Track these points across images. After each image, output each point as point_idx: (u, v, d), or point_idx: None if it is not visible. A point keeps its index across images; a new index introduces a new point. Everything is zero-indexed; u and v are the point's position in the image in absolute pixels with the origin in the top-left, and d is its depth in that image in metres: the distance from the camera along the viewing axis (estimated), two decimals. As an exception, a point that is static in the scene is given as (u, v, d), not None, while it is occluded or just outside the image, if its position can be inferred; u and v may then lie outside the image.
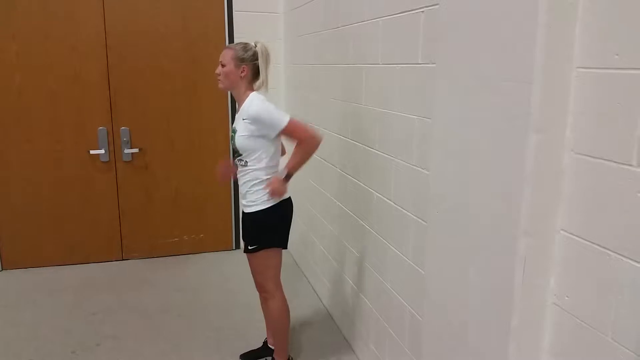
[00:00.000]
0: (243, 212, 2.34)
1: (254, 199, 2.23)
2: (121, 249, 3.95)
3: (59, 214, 3.75)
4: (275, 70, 3.88)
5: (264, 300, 2.43)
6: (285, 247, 2.35)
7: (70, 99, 3.61)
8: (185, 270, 3.79)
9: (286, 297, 2.43)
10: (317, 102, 3.14)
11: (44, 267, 3.79)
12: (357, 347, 2.70)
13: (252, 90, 2.23)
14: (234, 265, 3.85)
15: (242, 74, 2.19)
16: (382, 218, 2.27)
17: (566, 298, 1.27)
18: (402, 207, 2.07)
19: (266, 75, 2.23)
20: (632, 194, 1.08)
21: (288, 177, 2.20)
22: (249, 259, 2.35)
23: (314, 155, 3.21)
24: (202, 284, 3.56)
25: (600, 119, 1.14)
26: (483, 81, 1.36)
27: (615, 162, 1.11)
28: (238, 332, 2.91)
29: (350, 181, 2.63)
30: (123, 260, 3.96)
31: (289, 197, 2.32)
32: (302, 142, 2.16)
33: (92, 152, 3.70)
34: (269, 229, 2.27)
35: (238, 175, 2.30)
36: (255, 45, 2.22)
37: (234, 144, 2.23)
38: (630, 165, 1.08)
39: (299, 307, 3.16)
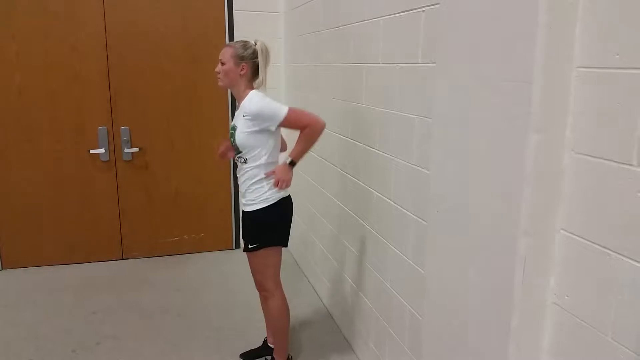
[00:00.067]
0: (243, 211, 2.34)
1: (254, 197, 2.23)
2: (121, 249, 3.95)
3: (59, 213, 3.75)
4: (276, 70, 3.88)
5: (264, 300, 2.43)
6: (286, 246, 2.35)
7: (71, 98, 3.61)
8: (185, 270, 3.79)
9: (286, 296, 2.43)
10: (317, 101, 3.14)
11: (44, 267, 3.79)
12: (357, 347, 2.70)
13: (252, 88, 2.23)
14: (234, 264, 3.85)
15: (242, 72, 2.19)
16: (382, 217, 2.27)
17: (566, 298, 1.27)
18: (402, 207, 2.07)
19: (265, 74, 2.23)
20: (632, 193, 1.08)
21: (292, 164, 2.21)
22: (248, 258, 2.35)
23: (314, 155, 3.23)
24: (202, 283, 3.56)
25: (601, 119, 1.14)
26: (483, 81, 1.36)
27: (615, 161, 1.11)
28: (238, 332, 2.91)
29: (351, 181, 2.63)
30: (123, 259, 3.96)
31: (289, 196, 2.32)
32: (305, 126, 2.17)
33: (92, 151, 3.70)
34: (268, 228, 2.27)
35: (238, 174, 2.30)
36: (255, 43, 2.22)
37: (233, 141, 2.23)
38: (631, 165, 1.08)
39: (299, 307, 3.16)
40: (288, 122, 2.16)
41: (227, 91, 3.84)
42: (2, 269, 3.75)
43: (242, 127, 2.16)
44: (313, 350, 2.74)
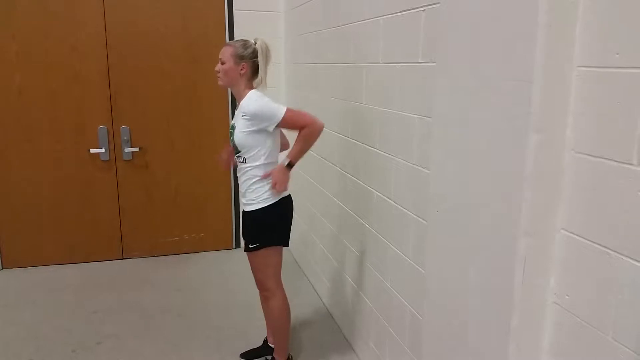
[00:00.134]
0: (243, 210, 2.34)
1: (254, 197, 2.22)
2: (121, 248, 3.95)
3: (59, 212, 3.75)
4: (276, 69, 3.87)
5: (265, 299, 2.42)
6: (286, 245, 2.34)
7: (71, 98, 3.61)
8: (185, 270, 3.79)
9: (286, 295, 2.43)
10: (317, 101, 3.13)
11: (44, 266, 3.80)
12: (357, 346, 2.70)
13: (252, 87, 2.23)
14: (234, 264, 3.85)
15: (242, 72, 2.19)
16: (383, 217, 2.26)
17: (566, 297, 1.27)
18: (402, 207, 2.07)
19: (265, 73, 2.23)
20: (633, 193, 1.07)
21: (290, 165, 2.20)
22: (249, 258, 2.35)
23: (314, 155, 3.23)
24: (203, 283, 3.56)
25: (601, 118, 1.14)
26: (483, 80, 1.36)
27: (615, 161, 1.11)
28: (238, 331, 2.91)
29: (351, 180, 2.62)
30: (123, 259, 3.96)
31: (289, 195, 2.32)
32: (304, 128, 2.16)
33: (92, 151, 3.70)
34: (269, 227, 2.26)
35: (238, 174, 2.30)
36: (255, 42, 2.21)
37: (233, 141, 2.23)
38: (631, 164, 1.07)
39: (299, 306, 3.16)
40: (286, 123, 2.16)
41: (227, 91, 3.84)
42: (2, 268, 3.75)
43: (240, 127, 2.16)
44: (313, 350, 2.74)
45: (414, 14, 1.88)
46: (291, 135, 2.34)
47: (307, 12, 3.23)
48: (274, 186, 2.19)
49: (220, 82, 2.25)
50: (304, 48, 3.36)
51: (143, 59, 3.68)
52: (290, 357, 2.57)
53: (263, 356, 2.62)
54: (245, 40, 2.22)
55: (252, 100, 2.15)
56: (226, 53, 2.19)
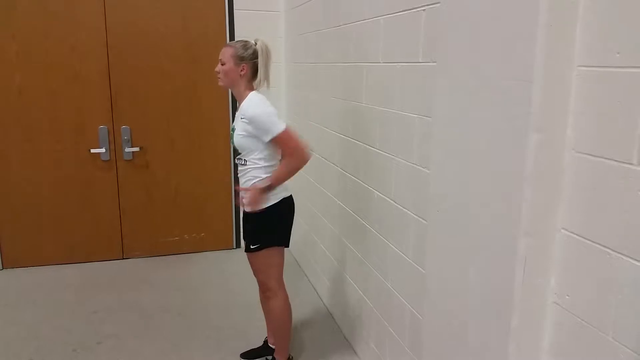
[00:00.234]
0: (244, 210, 2.34)
1: (255, 197, 2.22)
2: (122, 248, 3.95)
3: (59, 212, 3.75)
4: (276, 69, 3.86)
5: (266, 300, 2.42)
6: (287, 246, 2.34)
7: (71, 98, 3.61)
8: (185, 269, 3.79)
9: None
10: (317, 100, 3.13)
11: (45, 266, 3.80)
12: (357, 346, 2.70)
13: (252, 88, 2.22)
14: (235, 264, 3.85)
15: (242, 72, 2.19)
16: (383, 217, 2.26)
17: (567, 297, 1.26)
18: (402, 206, 2.07)
19: (265, 73, 2.22)
20: (633, 192, 1.07)
21: (269, 188, 2.17)
22: (251, 258, 2.35)
23: (315, 155, 3.22)
24: (203, 283, 3.56)
25: (601, 118, 1.14)
26: (484, 80, 1.36)
27: (615, 160, 1.11)
28: (238, 331, 2.91)
29: (351, 180, 2.62)
30: (124, 259, 3.96)
31: (290, 195, 2.31)
32: (292, 155, 2.13)
33: (92, 151, 3.70)
34: (270, 228, 2.26)
35: (239, 175, 2.29)
36: (255, 43, 2.21)
37: (233, 142, 2.23)
38: (631, 163, 1.07)
39: (300, 306, 3.16)
40: (277, 142, 2.12)
41: (227, 91, 3.84)
42: (3, 268, 3.76)
43: (239, 129, 2.16)
44: (314, 350, 2.74)
45: (414, 13, 1.88)
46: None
47: (308, 11, 3.23)
48: (246, 203, 2.18)
49: (220, 83, 2.24)
50: (304, 48, 3.36)
51: (143, 58, 3.68)
52: (290, 357, 2.57)
53: (263, 356, 2.62)
54: (246, 41, 2.22)
55: (252, 103, 2.15)
56: (226, 54, 2.18)
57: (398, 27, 2.01)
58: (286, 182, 2.28)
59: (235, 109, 3.83)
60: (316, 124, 3.18)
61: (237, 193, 2.18)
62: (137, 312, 3.13)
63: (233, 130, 2.22)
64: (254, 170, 2.20)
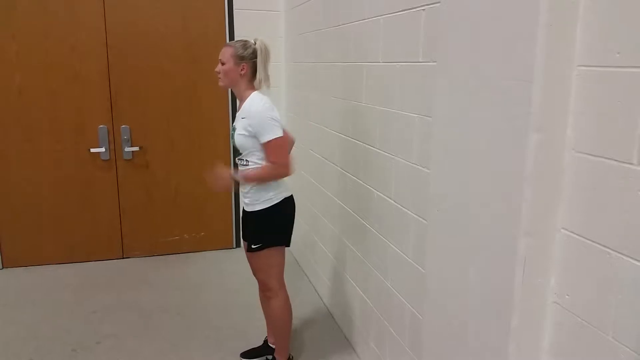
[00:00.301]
0: (244, 210, 2.34)
1: (257, 197, 2.22)
2: (121, 248, 3.95)
3: (59, 212, 3.75)
4: (276, 69, 3.87)
5: (267, 299, 2.42)
6: (288, 245, 2.34)
7: (71, 97, 3.60)
8: (185, 269, 3.79)
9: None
10: (317, 100, 3.13)
11: (45, 266, 3.80)
12: (357, 346, 2.70)
13: (253, 88, 2.22)
14: (234, 263, 3.85)
15: (242, 72, 2.18)
16: (383, 217, 2.26)
17: (567, 297, 1.26)
18: (402, 206, 2.07)
19: (264, 73, 2.22)
20: (633, 192, 1.07)
21: (237, 182, 2.16)
22: (251, 258, 2.35)
23: (315, 154, 3.23)
24: (202, 282, 3.56)
25: (601, 118, 1.14)
26: (484, 80, 1.36)
27: (616, 160, 1.11)
28: (238, 331, 2.91)
29: (351, 180, 2.62)
30: (123, 258, 3.96)
31: (291, 195, 2.31)
32: (274, 164, 2.12)
33: (92, 150, 3.70)
34: (272, 228, 2.26)
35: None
36: (255, 43, 2.21)
37: (233, 142, 2.23)
38: (631, 163, 1.07)
39: (300, 306, 3.16)
40: (266, 147, 2.11)
41: (227, 91, 3.84)
42: (3, 268, 3.75)
43: (240, 129, 2.16)
44: (314, 350, 2.74)
45: (414, 13, 1.88)
46: (295, 132, 2.34)
47: (307, 11, 3.23)
48: (209, 179, 2.18)
49: (220, 83, 2.24)
50: (304, 47, 3.36)
51: (143, 58, 3.68)
52: (291, 357, 2.57)
53: (263, 356, 2.62)
54: (245, 41, 2.21)
55: (254, 102, 2.14)
56: (226, 54, 2.18)
57: (398, 27, 2.01)
58: (287, 182, 2.28)
59: (235, 108, 3.85)
60: (316, 123, 3.17)
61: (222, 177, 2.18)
62: (137, 312, 3.13)
63: (234, 129, 2.22)
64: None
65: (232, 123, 2.30)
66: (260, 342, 2.71)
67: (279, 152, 2.12)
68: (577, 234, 1.22)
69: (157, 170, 3.88)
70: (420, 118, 1.88)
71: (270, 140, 2.09)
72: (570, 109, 1.22)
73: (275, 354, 2.50)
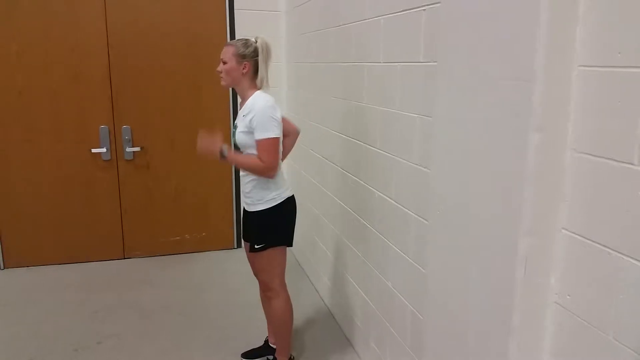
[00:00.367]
0: (245, 210, 2.34)
1: (259, 197, 2.22)
2: (123, 248, 3.95)
3: (60, 212, 3.76)
4: (277, 69, 3.87)
5: (268, 299, 2.42)
6: (291, 245, 2.34)
7: (72, 98, 3.61)
8: (186, 269, 3.79)
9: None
10: (318, 100, 3.13)
11: (46, 266, 3.80)
12: (358, 346, 2.70)
13: (255, 87, 2.22)
14: (236, 263, 3.86)
15: (244, 71, 2.18)
16: (384, 217, 2.26)
17: (567, 297, 1.26)
18: (403, 206, 2.07)
19: (266, 71, 2.22)
20: (634, 192, 1.07)
21: (223, 156, 2.17)
22: (253, 258, 2.35)
23: (315, 154, 3.23)
24: (204, 282, 3.56)
25: (602, 118, 1.14)
26: (484, 80, 1.36)
27: (616, 160, 1.11)
28: (239, 331, 2.91)
29: (352, 180, 2.62)
30: (124, 258, 3.96)
31: (292, 195, 2.31)
32: (262, 162, 2.11)
33: (93, 150, 3.71)
34: (274, 228, 2.26)
35: (241, 174, 2.29)
36: (256, 41, 2.21)
37: (234, 141, 2.23)
38: (632, 164, 1.07)
39: (301, 306, 3.16)
40: (258, 144, 2.11)
41: (228, 90, 3.84)
42: (4, 268, 3.76)
43: (241, 127, 2.16)
44: (315, 350, 2.74)
45: (414, 13, 1.88)
46: (299, 130, 2.33)
47: (308, 11, 3.23)
48: (199, 145, 2.19)
49: (223, 83, 2.24)
50: (305, 47, 3.36)
51: (144, 58, 3.69)
52: (292, 357, 2.57)
53: (264, 356, 2.62)
54: (246, 39, 2.22)
55: (259, 100, 2.13)
56: (228, 53, 2.18)
57: (398, 27, 2.01)
58: (288, 182, 2.28)
59: (236, 108, 3.85)
60: (317, 123, 3.17)
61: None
62: (138, 312, 3.13)
63: (235, 127, 2.22)
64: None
65: (233, 122, 2.30)
66: (261, 342, 2.71)
67: (270, 153, 2.11)
68: (578, 234, 1.22)
69: (158, 171, 3.88)
70: (420, 118, 1.88)
71: (264, 139, 2.09)
72: (570, 109, 1.22)
73: (276, 354, 2.50)
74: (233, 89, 3.78)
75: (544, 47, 1.17)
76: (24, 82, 3.51)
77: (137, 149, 3.79)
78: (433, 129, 1.66)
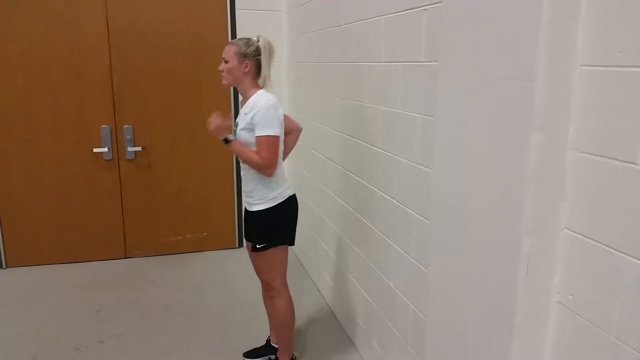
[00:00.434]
0: (246, 209, 2.34)
1: (260, 196, 2.22)
2: (124, 247, 3.95)
3: (62, 212, 3.76)
4: (278, 68, 3.87)
5: (270, 299, 2.42)
6: (293, 244, 2.34)
7: (73, 97, 3.61)
8: (188, 269, 3.80)
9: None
10: (319, 100, 3.13)
11: (47, 265, 3.81)
12: (360, 346, 2.70)
13: (257, 86, 2.22)
14: (237, 263, 3.86)
15: (246, 70, 2.18)
16: (385, 216, 2.26)
17: (570, 297, 1.26)
18: (405, 206, 2.06)
19: (269, 70, 2.22)
20: (636, 192, 1.07)
21: (227, 141, 2.19)
22: (255, 258, 2.34)
23: (317, 154, 3.23)
24: (205, 282, 3.57)
25: (604, 117, 1.14)
26: (486, 79, 1.36)
27: (618, 160, 1.10)
28: (241, 330, 2.91)
29: (353, 179, 2.62)
30: (126, 258, 3.97)
31: (294, 194, 2.31)
32: (260, 159, 2.10)
33: (95, 150, 3.71)
34: (276, 227, 2.26)
35: (242, 173, 2.29)
36: (258, 40, 2.21)
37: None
38: (634, 163, 1.07)
39: (303, 306, 3.16)
40: (258, 141, 2.11)
41: (229, 90, 3.84)
42: (6, 267, 3.77)
43: (242, 124, 2.16)
44: (316, 350, 2.74)
45: (416, 13, 1.88)
46: (301, 130, 2.33)
47: (309, 11, 3.23)
48: (211, 124, 2.22)
49: (224, 82, 2.24)
50: (306, 47, 3.36)
51: (145, 58, 3.69)
52: (293, 356, 2.57)
53: (266, 355, 2.62)
54: (248, 39, 2.21)
55: (262, 98, 2.13)
56: (229, 52, 2.18)
57: (400, 27, 2.01)
58: (289, 181, 2.29)
59: (237, 108, 3.85)
60: (318, 123, 3.17)
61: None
62: (140, 311, 3.14)
63: (236, 125, 2.22)
64: (257, 170, 2.19)
65: (234, 121, 2.30)
66: (262, 342, 2.71)
67: (269, 150, 2.11)
68: (580, 234, 1.22)
69: (159, 170, 3.89)
70: (422, 118, 1.88)
71: (264, 136, 2.09)
72: (572, 109, 1.21)
73: (278, 354, 2.51)
74: (234, 89, 3.78)
75: (546, 46, 1.17)
76: (25, 82, 3.52)
77: (138, 148, 3.79)
78: (434, 129, 1.66)
